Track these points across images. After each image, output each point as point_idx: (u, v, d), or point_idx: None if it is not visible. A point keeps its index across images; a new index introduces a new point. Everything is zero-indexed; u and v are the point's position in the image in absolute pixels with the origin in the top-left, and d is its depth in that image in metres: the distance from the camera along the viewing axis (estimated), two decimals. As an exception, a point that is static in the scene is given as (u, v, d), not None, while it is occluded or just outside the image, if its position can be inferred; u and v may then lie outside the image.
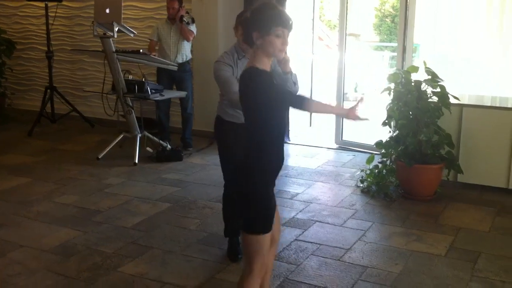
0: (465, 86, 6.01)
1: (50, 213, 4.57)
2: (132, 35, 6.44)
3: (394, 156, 5.03)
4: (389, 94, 5.04)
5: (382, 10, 14.58)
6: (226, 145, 3.59)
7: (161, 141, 6.34)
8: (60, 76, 8.37)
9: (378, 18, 14.65)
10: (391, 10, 14.42)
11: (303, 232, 4.14)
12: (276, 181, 2.58)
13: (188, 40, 6.41)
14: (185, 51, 6.50)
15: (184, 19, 6.27)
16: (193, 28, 6.37)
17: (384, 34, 14.50)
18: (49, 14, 7.69)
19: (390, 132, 5.07)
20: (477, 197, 4.90)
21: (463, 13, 6.22)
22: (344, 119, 6.66)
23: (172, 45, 6.42)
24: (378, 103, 5.51)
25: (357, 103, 2.46)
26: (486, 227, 4.25)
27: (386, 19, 14.62)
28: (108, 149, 6.18)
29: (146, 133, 6.37)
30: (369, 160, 5.19)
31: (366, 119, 2.47)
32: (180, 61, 6.41)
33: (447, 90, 4.80)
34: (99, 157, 6.12)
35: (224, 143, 3.61)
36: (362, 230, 4.18)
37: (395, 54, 6.34)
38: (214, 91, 4.44)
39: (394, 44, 10.48)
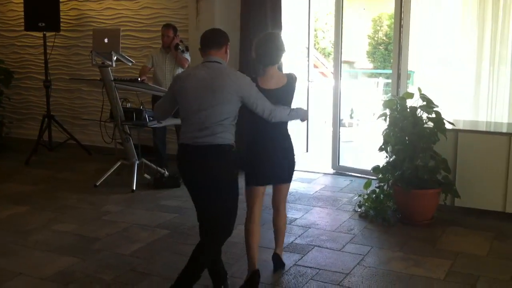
0: (459, 112, 6.08)
1: (48, 241, 4.56)
2: (130, 64, 6.52)
3: (391, 181, 5.06)
4: (385, 120, 5.10)
5: (376, 38, 14.81)
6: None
7: (158, 168, 6.36)
8: (57, 104, 8.42)
9: (372, 46, 14.88)
10: (384, 38, 14.66)
11: (302, 257, 4.14)
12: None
13: (183, 68, 6.48)
14: None
15: (179, 47, 6.37)
16: (187, 56, 6.46)
17: (378, 61, 14.71)
18: (47, 44, 7.79)
19: (386, 157, 5.12)
20: (475, 222, 4.93)
21: (454, 39, 6.34)
22: (341, 144, 6.72)
23: (168, 73, 6.50)
24: (373, 128, 5.56)
25: None
26: (484, 251, 4.26)
27: (380, 47, 14.85)
28: (105, 176, 6.19)
29: (144, 160, 6.40)
30: (367, 185, 5.22)
31: None
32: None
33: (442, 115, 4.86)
34: (97, 184, 6.12)
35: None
36: (361, 254, 4.19)
37: (389, 80, 6.43)
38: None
39: (388, 71, 10.64)
